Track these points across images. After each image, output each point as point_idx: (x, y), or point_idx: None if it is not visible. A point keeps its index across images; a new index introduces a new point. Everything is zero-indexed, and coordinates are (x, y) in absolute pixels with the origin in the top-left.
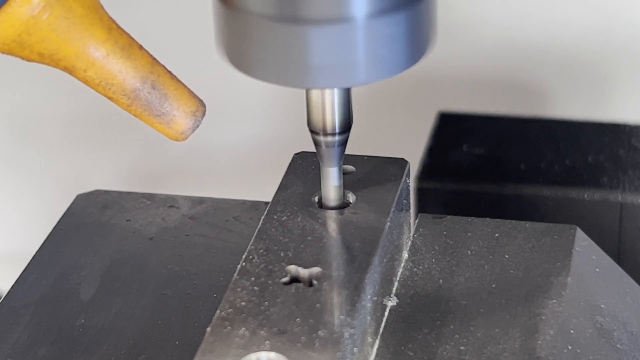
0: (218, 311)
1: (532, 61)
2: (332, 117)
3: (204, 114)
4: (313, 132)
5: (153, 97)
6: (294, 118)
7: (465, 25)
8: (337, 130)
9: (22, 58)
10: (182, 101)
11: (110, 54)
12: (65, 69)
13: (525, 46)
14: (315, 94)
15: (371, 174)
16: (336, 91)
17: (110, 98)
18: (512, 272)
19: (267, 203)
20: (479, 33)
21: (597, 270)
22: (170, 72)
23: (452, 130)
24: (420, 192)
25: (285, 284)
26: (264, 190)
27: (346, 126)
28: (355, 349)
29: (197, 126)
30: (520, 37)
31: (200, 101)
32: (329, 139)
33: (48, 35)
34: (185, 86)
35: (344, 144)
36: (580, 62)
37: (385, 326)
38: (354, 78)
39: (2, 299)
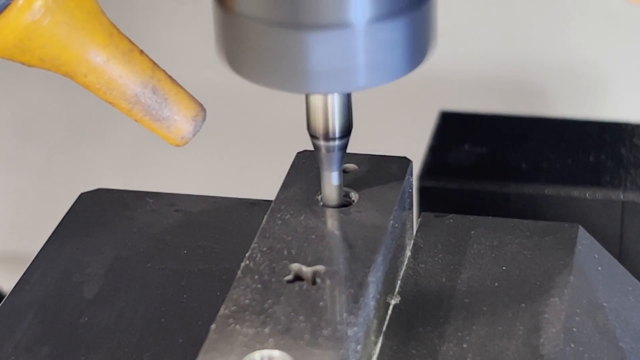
0: (222, 309)
1: (533, 61)
2: (332, 122)
3: (204, 118)
4: (313, 136)
5: (154, 102)
6: (297, 116)
7: (468, 25)
8: (337, 135)
9: (23, 63)
10: (182, 106)
11: (111, 59)
12: (66, 74)
13: (526, 46)
14: (315, 99)
15: (374, 173)
16: (336, 96)
17: (111, 103)
18: (514, 270)
19: (270, 202)
20: (481, 32)
21: (599, 268)
22: (170, 77)
23: (454, 129)
24: (422, 191)
25: (289, 282)
26: (267, 189)
27: (346, 131)
28: (359, 346)
29: (198, 131)
30: (522, 36)
31: (201, 106)
32: (329, 143)
33: (49, 40)
34: (185, 91)
35: (344, 148)
36: (581, 61)
37: (388, 324)
38: (354, 83)
39: (5, 297)
